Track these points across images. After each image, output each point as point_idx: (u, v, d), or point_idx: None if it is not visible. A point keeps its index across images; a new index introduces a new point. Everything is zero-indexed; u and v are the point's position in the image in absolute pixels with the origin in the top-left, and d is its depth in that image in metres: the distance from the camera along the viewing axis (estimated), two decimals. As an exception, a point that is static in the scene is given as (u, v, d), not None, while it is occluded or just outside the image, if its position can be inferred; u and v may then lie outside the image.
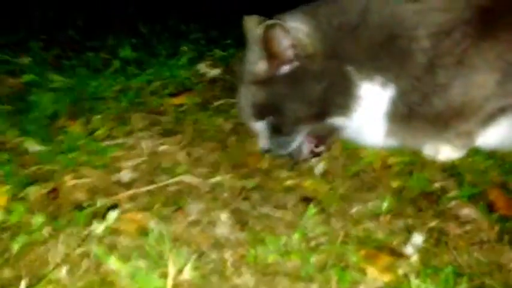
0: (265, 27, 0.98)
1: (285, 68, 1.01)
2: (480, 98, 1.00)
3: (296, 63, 1.00)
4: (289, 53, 1.00)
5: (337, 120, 1.04)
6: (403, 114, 1.01)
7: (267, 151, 1.07)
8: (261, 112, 1.04)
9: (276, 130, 1.04)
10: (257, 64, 1.03)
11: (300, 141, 1.05)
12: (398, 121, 1.03)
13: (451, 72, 0.98)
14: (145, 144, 1.09)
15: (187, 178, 1.00)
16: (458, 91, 0.99)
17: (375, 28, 0.99)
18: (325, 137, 1.09)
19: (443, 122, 1.03)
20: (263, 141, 1.07)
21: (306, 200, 0.96)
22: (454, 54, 0.97)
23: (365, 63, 1.00)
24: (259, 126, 1.06)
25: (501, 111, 1.01)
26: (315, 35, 1.01)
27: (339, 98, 1.01)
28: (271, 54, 1.00)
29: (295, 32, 1.00)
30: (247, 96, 1.05)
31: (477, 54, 0.97)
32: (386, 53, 0.99)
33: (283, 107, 1.01)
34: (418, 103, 1.00)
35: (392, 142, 1.08)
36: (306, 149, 1.07)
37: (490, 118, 1.03)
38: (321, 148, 1.08)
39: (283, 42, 0.99)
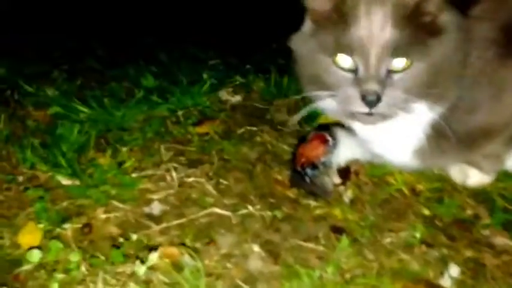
0: None
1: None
2: (506, 117, 1.01)
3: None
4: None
5: (429, 108, 0.94)
6: (437, 133, 1.00)
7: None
8: (404, 44, 0.86)
9: (402, 81, 0.88)
10: None
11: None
12: (430, 139, 1.00)
13: (483, 91, 0.98)
14: (173, 176, 1.10)
15: (217, 210, 1.01)
16: (487, 111, 0.99)
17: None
18: (347, 171, 1.09)
19: (471, 142, 1.03)
20: (373, 86, 0.86)
21: (337, 230, 0.96)
22: (486, 73, 0.97)
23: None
24: (380, 67, 0.87)
25: None
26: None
27: (450, 81, 0.93)
28: None
29: None
30: (383, 25, 0.86)
31: (506, 74, 0.98)
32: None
33: (430, 48, 0.88)
34: (452, 121, 0.97)
35: (418, 163, 1.06)
36: (330, 183, 1.05)
37: None
38: (339, 180, 1.08)
39: None
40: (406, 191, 1.08)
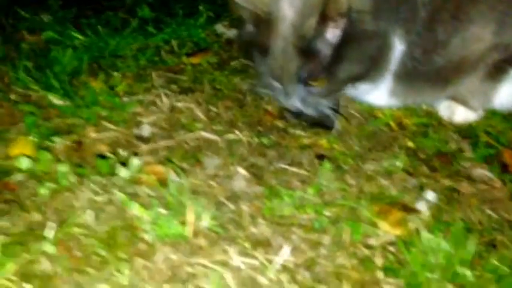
0: None
1: (336, 28, 0.94)
2: (478, 51, 1.01)
3: (347, 22, 0.93)
4: (345, 12, 0.93)
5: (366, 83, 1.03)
6: (406, 72, 1.02)
7: (297, 114, 1.05)
8: (311, 75, 0.97)
9: (317, 91, 1.00)
10: (303, 23, 0.95)
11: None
12: (402, 80, 1.04)
13: (448, 27, 0.99)
14: (164, 101, 1.11)
15: (205, 134, 1.03)
16: (456, 46, 1.00)
17: None
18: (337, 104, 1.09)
19: (444, 78, 1.05)
20: (296, 103, 1.01)
21: (321, 157, 0.99)
22: (449, 9, 0.98)
23: (392, 18, 0.97)
24: (296, 88, 1.00)
25: (510, 64, 1.01)
26: None
27: (380, 59, 0.99)
28: (327, 14, 0.92)
29: None
30: (289, 58, 0.97)
31: (471, 7, 0.98)
32: (401, 6, 0.98)
33: (335, 67, 0.97)
34: (419, 60, 1.01)
35: (395, 102, 1.09)
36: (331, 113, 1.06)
37: (499, 72, 1.04)
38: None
39: (343, 1, 0.92)
40: (393, 124, 1.10)
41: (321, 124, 1.07)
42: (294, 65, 0.97)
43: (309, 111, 1.03)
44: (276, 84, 1.03)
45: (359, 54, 0.97)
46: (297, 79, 0.98)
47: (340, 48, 0.95)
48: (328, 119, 1.07)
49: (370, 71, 1.00)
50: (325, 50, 0.95)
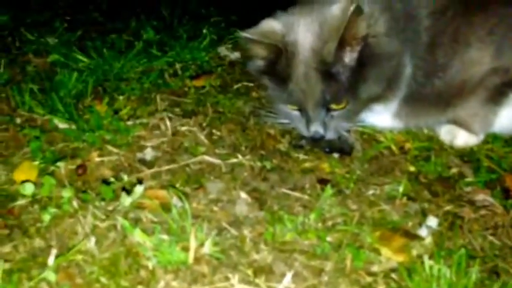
0: (354, 11, 0.91)
1: (352, 52, 0.96)
2: (478, 74, 1.03)
3: (364, 45, 0.96)
4: (361, 38, 0.95)
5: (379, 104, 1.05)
6: (410, 95, 1.04)
7: (316, 141, 1.05)
8: (334, 98, 0.99)
9: (338, 114, 1.02)
10: (322, 47, 0.96)
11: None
12: (406, 102, 1.06)
13: (448, 50, 1.01)
14: (167, 124, 1.12)
15: (208, 158, 1.03)
16: (456, 69, 1.02)
17: (400, 8, 1.01)
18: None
19: (445, 101, 1.06)
20: (317, 127, 1.02)
21: (323, 182, 0.99)
22: (447, 32, 1.00)
23: (402, 39, 1.00)
24: (319, 112, 1.01)
25: (511, 88, 1.03)
26: (380, 16, 0.98)
27: (396, 78, 1.01)
28: (346, 39, 0.94)
29: (368, 14, 0.96)
30: (313, 82, 0.98)
31: (469, 31, 1.01)
32: (407, 29, 1.00)
33: (357, 88, 0.98)
34: (422, 84, 1.03)
35: (398, 124, 1.11)
36: (350, 137, 1.08)
37: (500, 96, 1.05)
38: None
39: (363, 27, 0.94)
40: (394, 148, 1.10)
41: (339, 150, 1.07)
42: (318, 89, 0.99)
43: (330, 135, 1.04)
44: (295, 112, 1.04)
45: (378, 75, 0.99)
46: (321, 102, 1.00)
47: (360, 70, 0.97)
48: (347, 144, 1.08)
49: (387, 90, 1.02)
50: (344, 72, 0.97)
